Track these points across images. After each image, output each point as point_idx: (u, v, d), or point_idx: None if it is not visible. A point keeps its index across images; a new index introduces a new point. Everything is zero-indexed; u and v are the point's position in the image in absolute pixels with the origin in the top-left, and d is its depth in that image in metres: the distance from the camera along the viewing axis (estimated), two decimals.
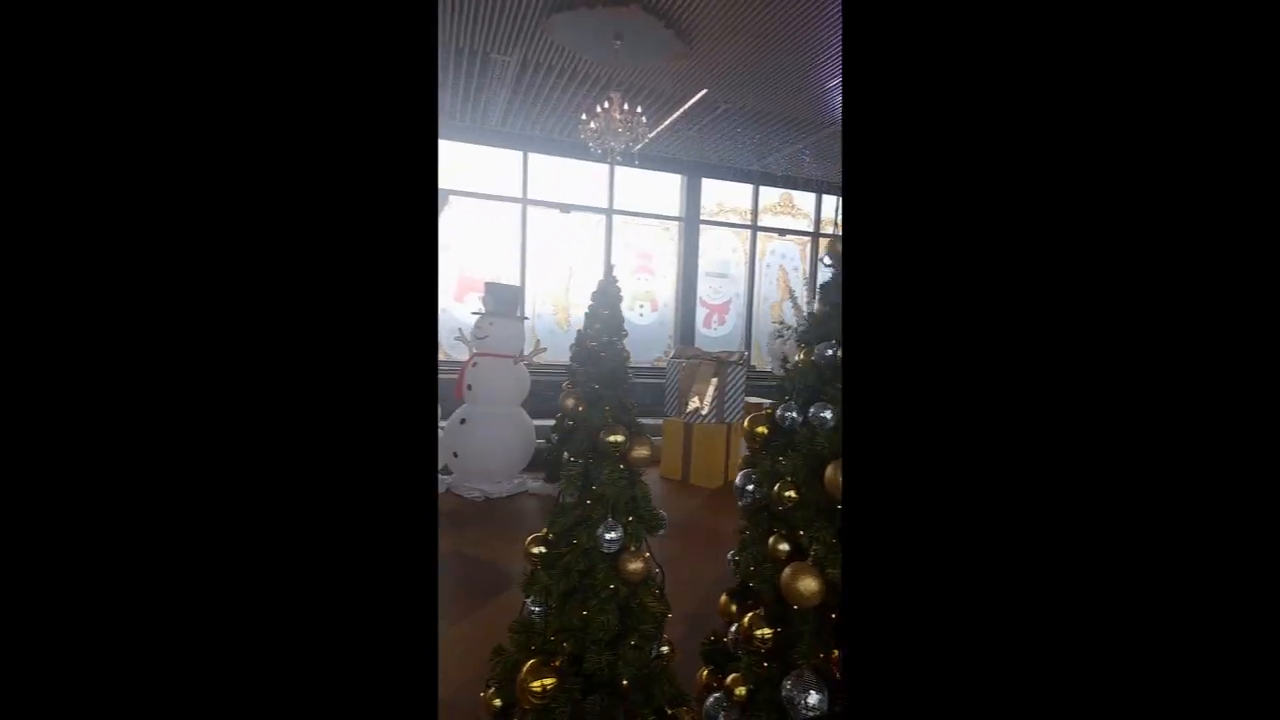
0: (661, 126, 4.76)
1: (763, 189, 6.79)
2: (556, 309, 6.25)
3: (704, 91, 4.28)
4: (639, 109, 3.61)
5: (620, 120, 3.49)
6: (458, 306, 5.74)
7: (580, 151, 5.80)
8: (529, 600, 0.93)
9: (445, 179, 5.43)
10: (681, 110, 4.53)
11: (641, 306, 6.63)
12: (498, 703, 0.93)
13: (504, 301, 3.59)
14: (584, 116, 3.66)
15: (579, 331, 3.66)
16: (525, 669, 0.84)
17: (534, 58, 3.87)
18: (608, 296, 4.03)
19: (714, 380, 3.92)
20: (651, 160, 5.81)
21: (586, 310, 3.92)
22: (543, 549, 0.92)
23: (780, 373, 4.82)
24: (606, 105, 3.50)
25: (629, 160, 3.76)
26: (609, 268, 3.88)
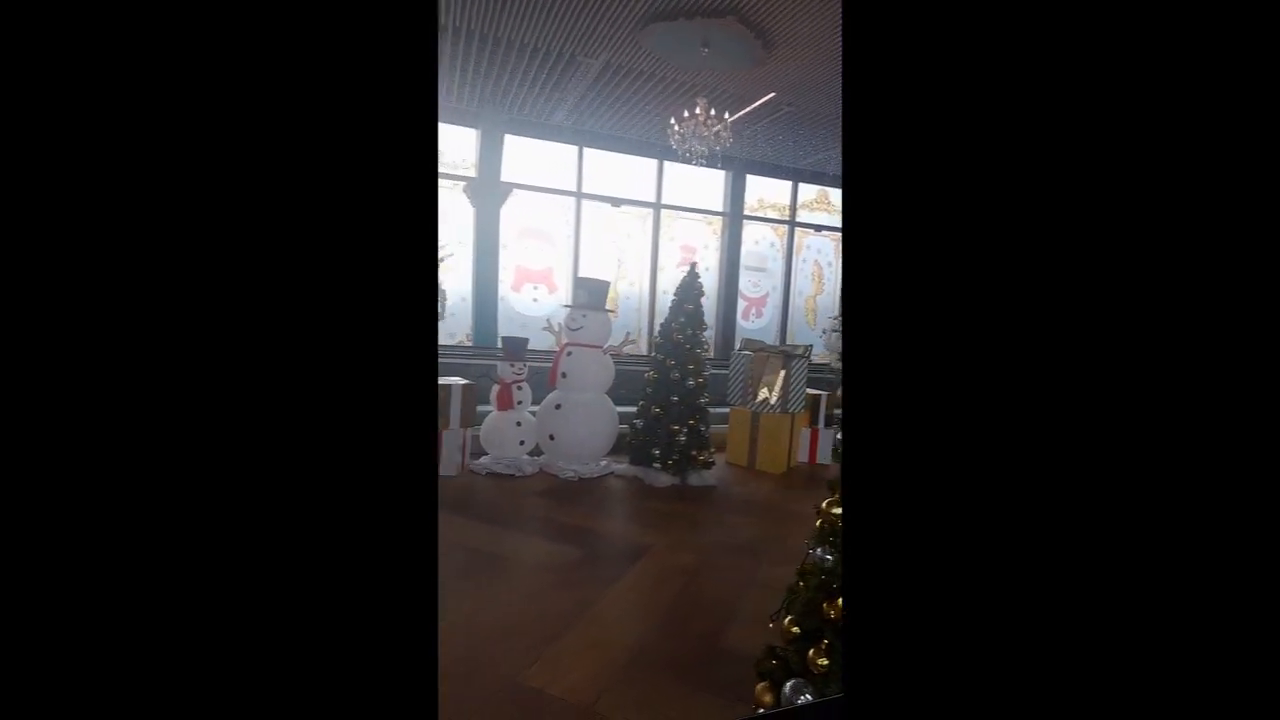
0: (718, 120, 4.95)
1: (800, 185, 7.00)
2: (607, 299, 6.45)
3: (771, 95, 4.47)
4: (726, 114, 3.80)
5: (706, 125, 3.69)
6: (514, 296, 5.94)
7: (633, 147, 5.99)
8: (818, 550, 1.16)
9: (507, 173, 5.60)
10: (745, 110, 4.72)
11: (672, 297, 6.87)
12: (796, 630, 1.17)
13: (595, 295, 3.81)
14: (672, 121, 3.85)
15: (662, 324, 3.88)
16: (840, 601, 1.08)
17: (615, 61, 4.05)
18: (691, 291, 4.24)
19: (782, 372, 4.16)
20: (703, 155, 6.01)
21: (671, 303, 4.13)
22: (839, 510, 1.15)
23: (839, 365, 5.10)
24: (697, 111, 3.69)
25: (713, 163, 3.96)
26: (691, 265, 4.09)
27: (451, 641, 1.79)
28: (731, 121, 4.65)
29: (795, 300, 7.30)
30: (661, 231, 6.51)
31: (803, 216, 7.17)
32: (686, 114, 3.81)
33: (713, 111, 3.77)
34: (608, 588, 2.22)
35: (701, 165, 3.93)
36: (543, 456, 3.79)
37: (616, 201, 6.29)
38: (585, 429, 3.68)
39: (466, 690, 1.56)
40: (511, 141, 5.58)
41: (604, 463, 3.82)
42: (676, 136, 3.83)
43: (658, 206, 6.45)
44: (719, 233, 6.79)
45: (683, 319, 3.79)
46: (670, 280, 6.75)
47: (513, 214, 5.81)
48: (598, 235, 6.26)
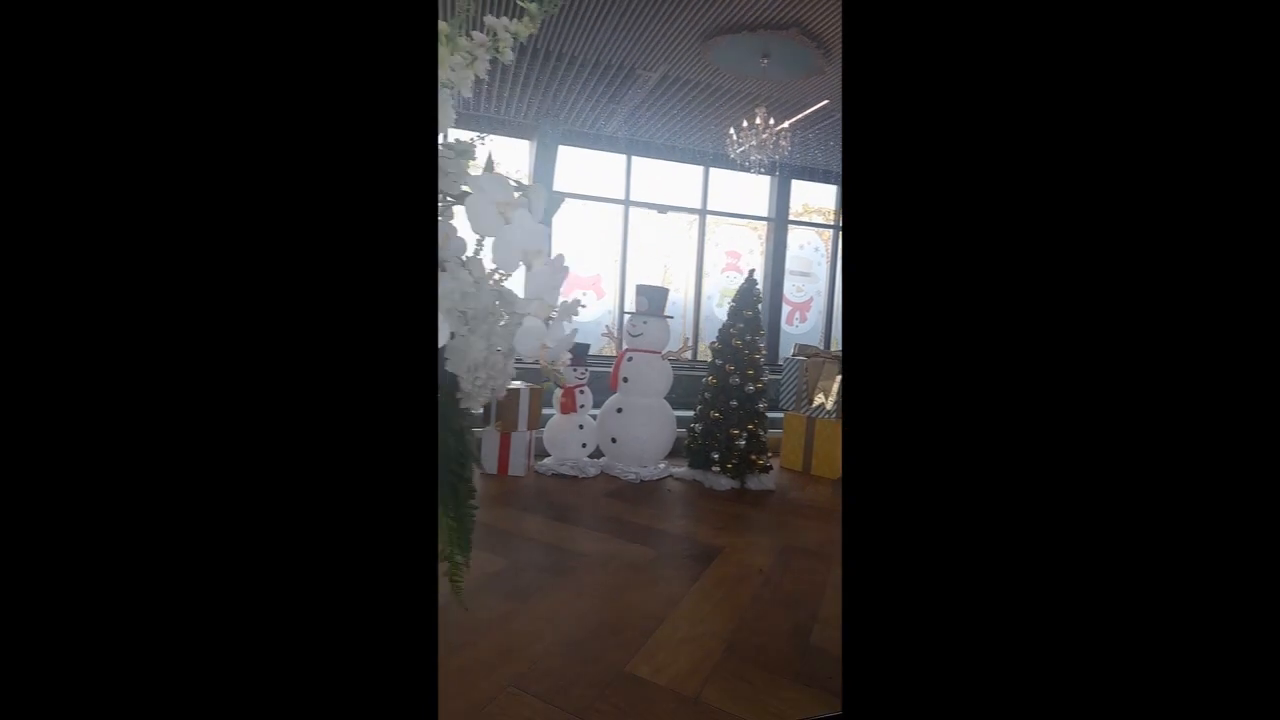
0: (776, 129, 5.00)
1: None
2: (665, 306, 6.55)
3: (825, 101, 4.51)
4: (786, 123, 3.86)
5: (768, 134, 3.75)
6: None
7: (679, 155, 6.08)
8: None
9: (559, 183, 5.74)
10: (798, 117, 4.77)
11: (729, 303, 6.93)
12: None
13: (655, 302, 3.90)
14: (731, 131, 3.93)
15: (720, 329, 3.95)
16: None
17: (673, 73, 4.15)
18: (749, 298, 4.29)
19: (839, 378, 4.19)
20: (762, 165, 6.08)
21: (730, 307, 4.20)
22: None
23: None
24: (758, 121, 3.76)
25: (770, 170, 4.02)
26: (749, 272, 4.15)
27: (554, 632, 1.88)
28: (786, 129, 4.71)
29: (840, 305, 7.29)
30: (706, 237, 6.58)
31: None
32: (745, 123, 3.88)
33: (771, 121, 3.83)
34: (690, 585, 2.30)
35: (761, 173, 3.99)
36: (603, 459, 3.89)
37: (663, 208, 6.39)
38: (646, 432, 3.77)
39: (581, 679, 1.65)
40: (563, 152, 5.73)
41: (662, 465, 3.90)
42: (736, 146, 3.90)
43: (703, 212, 6.52)
44: (764, 238, 6.83)
45: (741, 324, 3.85)
46: (714, 285, 6.82)
47: (563, 222, 5.95)
48: (644, 241, 6.36)
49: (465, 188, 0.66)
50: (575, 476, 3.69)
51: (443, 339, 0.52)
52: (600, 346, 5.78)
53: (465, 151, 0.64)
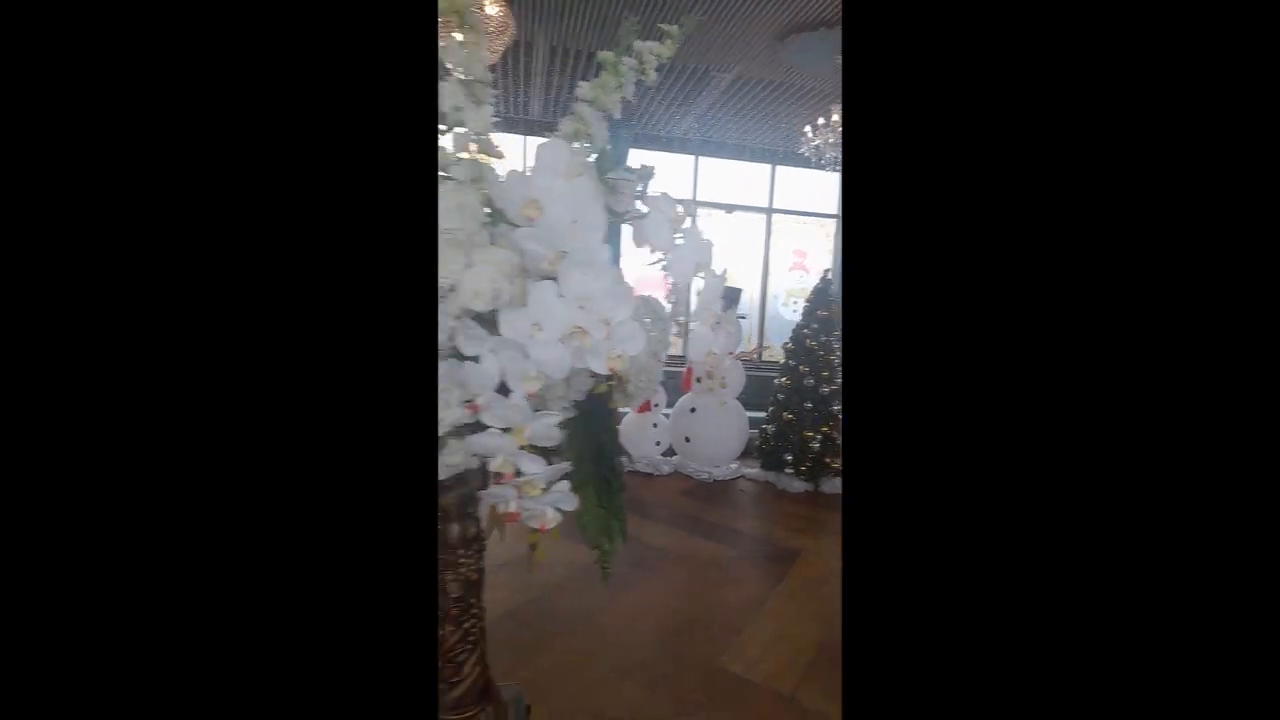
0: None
1: None
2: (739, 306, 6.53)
3: None
4: None
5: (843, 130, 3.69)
6: None
7: (746, 154, 6.05)
8: None
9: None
10: None
11: (796, 302, 6.82)
12: None
13: (728, 302, 3.91)
14: (806, 129, 3.89)
15: (794, 329, 3.91)
16: None
17: (747, 73, 4.13)
18: (824, 298, 4.23)
19: None
20: (836, 162, 5.95)
21: (804, 307, 4.14)
22: None
23: None
24: (835, 119, 3.70)
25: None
26: (824, 271, 4.09)
27: (645, 625, 1.94)
28: None
29: None
30: (772, 236, 6.51)
31: None
32: (821, 120, 3.82)
33: None
34: (773, 586, 2.31)
35: (835, 171, 3.94)
36: (675, 457, 3.94)
37: (729, 208, 6.36)
38: (719, 431, 3.79)
39: (677, 670, 1.70)
40: (631, 154, 5.81)
41: (734, 465, 3.91)
42: (810, 143, 3.85)
43: (769, 211, 6.45)
44: (831, 236, 6.69)
45: (815, 325, 3.80)
46: (780, 284, 6.74)
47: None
48: (711, 241, 6.36)
49: (640, 206, 0.71)
50: (649, 474, 3.76)
51: (640, 347, 0.58)
52: (672, 347, 5.82)
53: (646, 175, 0.69)
